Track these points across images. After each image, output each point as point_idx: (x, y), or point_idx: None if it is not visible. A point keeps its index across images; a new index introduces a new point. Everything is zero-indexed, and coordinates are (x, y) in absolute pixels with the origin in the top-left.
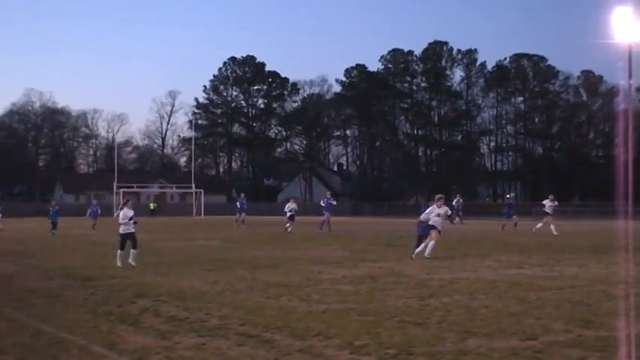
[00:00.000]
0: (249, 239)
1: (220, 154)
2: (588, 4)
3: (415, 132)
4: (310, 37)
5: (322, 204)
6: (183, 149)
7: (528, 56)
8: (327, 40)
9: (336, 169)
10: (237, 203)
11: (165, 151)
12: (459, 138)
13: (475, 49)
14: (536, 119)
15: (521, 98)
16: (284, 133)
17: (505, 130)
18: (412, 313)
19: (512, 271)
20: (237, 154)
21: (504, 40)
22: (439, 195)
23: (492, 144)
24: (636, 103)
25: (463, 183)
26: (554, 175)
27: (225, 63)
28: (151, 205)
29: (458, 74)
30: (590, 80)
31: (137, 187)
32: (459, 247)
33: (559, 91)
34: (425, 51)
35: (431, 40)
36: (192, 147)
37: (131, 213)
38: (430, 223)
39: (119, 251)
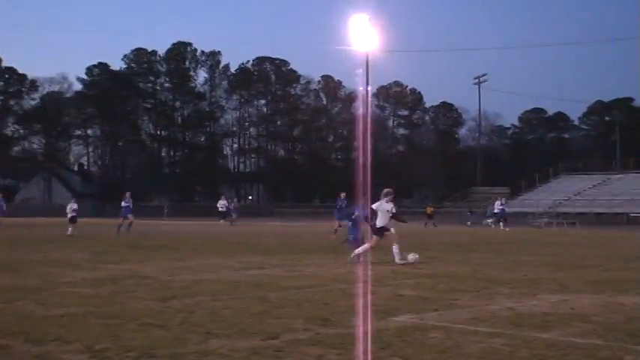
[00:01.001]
0: None
1: None
2: (328, 10)
3: (158, 132)
4: (51, 33)
5: (124, 204)
6: None
7: (271, 60)
8: (69, 37)
9: (76, 169)
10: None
11: None
12: (203, 139)
13: (219, 51)
14: (279, 122)
15: (263, 101)
16: (22, 131)
17: (248, 132)
18: (154, 315)
19: (254, 272)
20: None
21: (248, 43)
22: (388, 189)
23: (235, 146)
24: (373, 108)
25: (206, 184)
26: (295, 177)
27: None
28: None
29: (202, 75)
30: (330, 85)
31: None
32: (206, 248)
33: (301, 95)
34: (169, 51)
35: (175, 41)
36: None
37: None
38: (381, 224)
39: None
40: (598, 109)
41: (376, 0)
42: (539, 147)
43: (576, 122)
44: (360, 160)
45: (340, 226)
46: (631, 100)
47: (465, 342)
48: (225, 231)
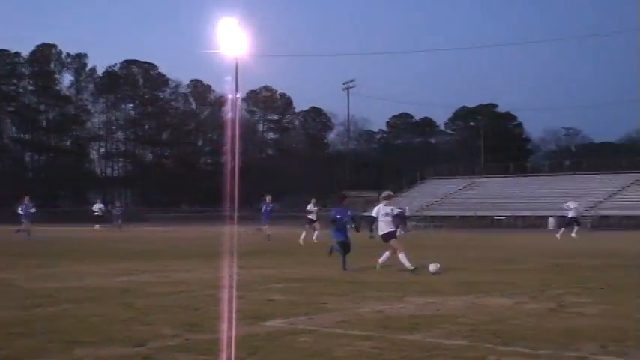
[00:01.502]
0: None
1: None
2: (197, 13)
3: (22, 136)
4: None
5: (21, 212)
6: None
7: (139, 63)
8: None
9: None
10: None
11: None
12: (69, 143)
13: (85, 54)
14: (147, 126)
15: (131, 104)
16: None
17: (115, 136)
18: (17, 323)
19: (122, 278)
20: None
21: (115, 46)
22: (388, 192)
23: (102, 150)
24: (243, 112)
25: (73, 189)
26: (164, 182)
27: None
28: None
29: (67, 78)
30: (199, 89)
31: None
32: (73, 254)
33: (169, 99)
34: (33, 53)
35: (39, 43)
36: None
37: None
38: (386, 231)
39: None
40: (463, 114)
41: (245, 3)
42: (406, 151)
43: (442, 127)
44: (229, 165)
45: (260, 229)
46: (494, 106)
47: (335, 345)
48: (93, 237)
